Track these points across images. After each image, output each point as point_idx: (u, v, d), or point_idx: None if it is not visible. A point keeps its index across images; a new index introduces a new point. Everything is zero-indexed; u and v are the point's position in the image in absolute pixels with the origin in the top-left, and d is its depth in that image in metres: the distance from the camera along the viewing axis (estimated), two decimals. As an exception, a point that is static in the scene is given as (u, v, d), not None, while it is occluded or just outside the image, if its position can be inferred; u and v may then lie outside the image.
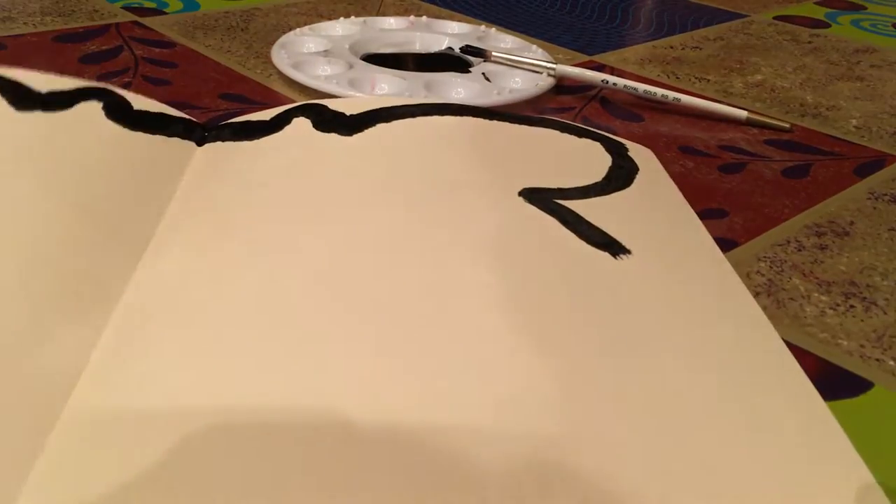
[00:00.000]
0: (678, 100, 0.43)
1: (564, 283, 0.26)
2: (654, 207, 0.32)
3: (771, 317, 0.27)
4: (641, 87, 0.43)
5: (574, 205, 0.31)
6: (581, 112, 0.43)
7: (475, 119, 0.36)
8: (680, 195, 0.34)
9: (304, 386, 0.21)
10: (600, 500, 0.18)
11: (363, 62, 0.44)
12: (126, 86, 0.41)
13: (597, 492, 0.19)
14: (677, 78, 0.49)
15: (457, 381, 0.21)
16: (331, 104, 0.36)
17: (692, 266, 0.28)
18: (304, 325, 0.23)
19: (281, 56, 0.44)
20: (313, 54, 0.44)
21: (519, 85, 0.44)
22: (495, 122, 0.36)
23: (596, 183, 0.32)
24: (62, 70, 0.42)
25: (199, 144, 0.34)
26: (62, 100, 0.33)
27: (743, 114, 0.42)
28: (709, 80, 0.49)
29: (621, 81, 0.44)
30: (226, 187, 0.31)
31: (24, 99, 0.32)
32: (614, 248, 0.28)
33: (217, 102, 0.40)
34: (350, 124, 0.34)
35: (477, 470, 0.19)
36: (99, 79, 0.41)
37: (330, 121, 0.34)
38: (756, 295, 0.28)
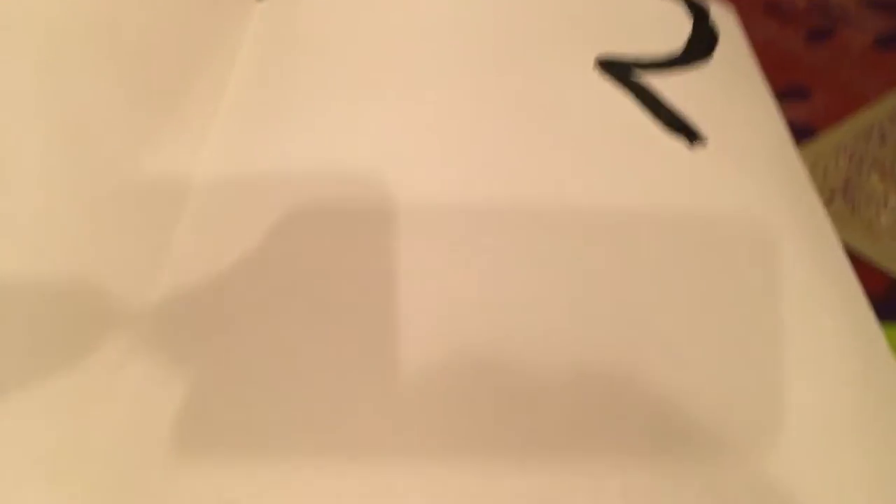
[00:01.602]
0: (769, -54, 0.39)
1: (636, 175, 0.25)
2: (731, 86, 0.30)
3: (843, 225, 0.26)
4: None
5: (653, 80, 0.29)
6: (661, -44, 0.39)
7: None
8: (758, 72, 0.32)
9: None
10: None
11: None
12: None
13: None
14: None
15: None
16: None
17: (764, 164, 0.27)
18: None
19: None
20: None
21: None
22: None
23: (675, 56, 0.31)
24: None
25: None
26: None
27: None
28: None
29: (709, -79, 0.40)
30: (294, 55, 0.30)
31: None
32: (688, 134, 0.27)
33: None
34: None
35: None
36: None
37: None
38: (831, 197, 0.27)
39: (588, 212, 0.24)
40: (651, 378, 0.20)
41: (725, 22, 0.34)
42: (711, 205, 0.25)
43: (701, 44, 0.32)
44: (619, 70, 0.29)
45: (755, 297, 0.23)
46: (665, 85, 0.29)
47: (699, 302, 0.22)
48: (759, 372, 0.21)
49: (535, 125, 0.27)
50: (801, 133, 0.30)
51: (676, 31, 0.32)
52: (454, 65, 0.29)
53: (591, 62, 0.29)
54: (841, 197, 0.27)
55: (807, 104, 0.31)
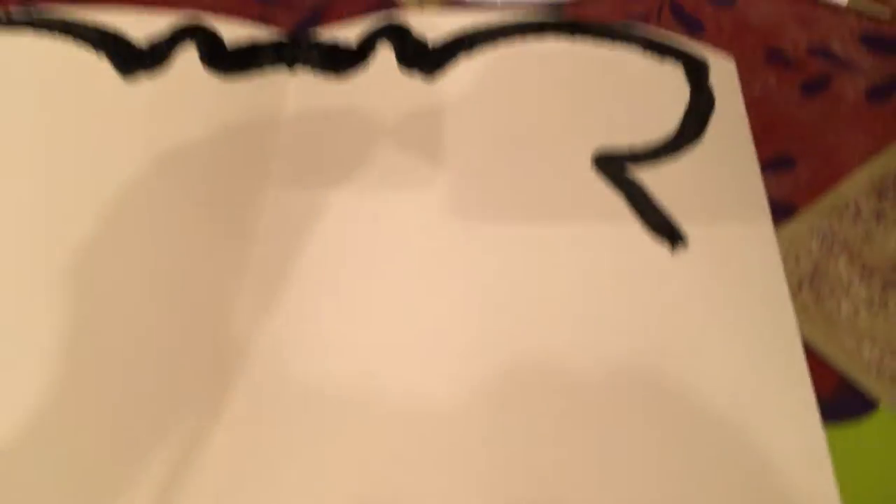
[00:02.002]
0: (776, -22, 0.41)
1: (615, 280, 0.30)
2: (720, 168, 0.33)
3: (806, 317, 0.30)
4: (739, -40, 0.41)
5: (643, 175, 0.33)
6: (671, -11, 0.42)
7: (556, 42, 0.36)
8: (750, 143, 0.35)
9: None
10: None
11: (447, -74, 0.42)
12: (211, -34, 0.41)
13: None
14: (786, -81, 0.46)
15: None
16: (414, 24, 0.37)
17: (741, 262, 0.30)
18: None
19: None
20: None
21: (608, -46, 0.42)
22: (577, 41, 0.36)
23: (668, 142, 0.34)
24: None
25: (291, 65, 0.36)
26: (162, 51, 0.35)
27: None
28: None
29: (718, -47, 0.41)
30: (317, 142, 0.33)
31: (127, 60, 0.34)
32: (674, 236, 0.31)
33: (301, -8, 0.40)
34: (432, 60, 0.35)
35: None
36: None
37: (412, 56, 0.35)
38: (798, 287, 0.31)
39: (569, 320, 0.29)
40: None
41: (724, 75, 0.37)
42: (682, 310, 0.29)
43: (696, 113, 0.35)
44: (613, 167, 0.32)
45: (702, 398, 0.27)
46: (655, 173, 0.33)
47: (656, 407, 0.27)
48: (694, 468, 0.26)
49: (529, 228, 0.31)
50: (782, 212, 0.33)
51: (674, 104, 0.35)
52: (450, 166, 0.32)
53: (586, 157, 0.33)
54: (808, 285, 0.31)
55: (791, 175, 0.34)
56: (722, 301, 0.29)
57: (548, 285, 0.30)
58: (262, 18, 0.39)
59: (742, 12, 0.41)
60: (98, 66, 0.34)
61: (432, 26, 0.36)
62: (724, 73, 0.37)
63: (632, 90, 0.35)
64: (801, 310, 0.30)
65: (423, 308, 0.29)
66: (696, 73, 0.35)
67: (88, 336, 0.28)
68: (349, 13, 0.39)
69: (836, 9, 0.41)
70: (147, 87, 0.35)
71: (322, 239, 0.31)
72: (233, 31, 0.37)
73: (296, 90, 0.35)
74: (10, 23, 0.35)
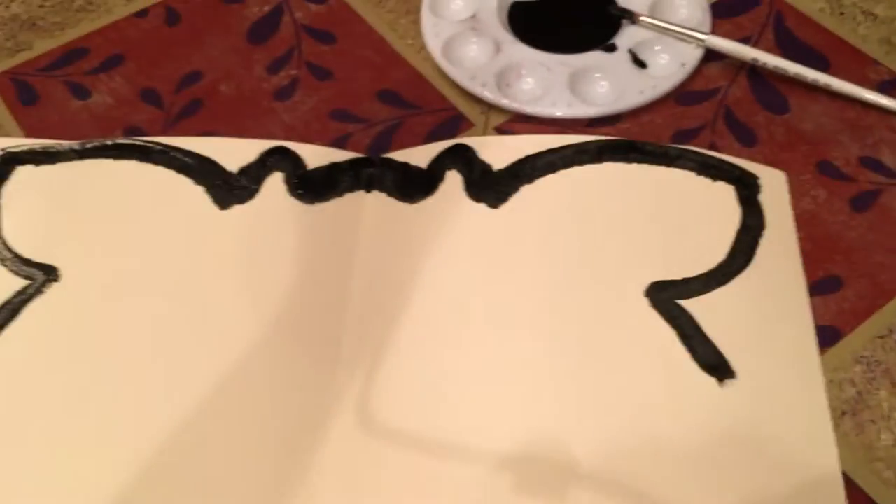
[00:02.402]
0: (829, 86, 0.43)
1: (665, 415, 0.32)
2: (769, 295, 0.35)
3: (846, 446, 0.32)
4: (793, 69, 0.43)
5: (695, 305, 0.35)
6: (726, 95, 0.44)
7: (614, 165, 0.39)
8: (799, 265, 0.37)
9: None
10: None
11: (510, 38, 0.45)
12: (293, 83, 0.45)
13: None
14: (841, 13, 0.47)
15: None
16: (479, 149, 0.40)
17: (786, 394, 0.33)
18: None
19: (430, 27, 0.45)
20: (462, 23, 0.46)
21: (665, 62, 0.44)
22: (633, 164, 0.39)
23: (719, 268, 0.36)
24: (233, 54, 0.46)
25: (368, 189, 0.40)
26: (252, 176, 0.39)
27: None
28: (876, 17, 0.47)
29: (772, 61, 0.43)
30: (395, 266, 0.37)
31: (223, 188, 0.38)
32: (722, 371, 0.33)
33: (375, 108, 0.44)
34: (497, 186, 0.38)
35: None
36: (268, 71, 0.45)
37: (479, 182, 0.38)
38: (841, 416, 0.33)
39: (613, 444, 0.31)
40: None
41: (775, 193, 0.39)
42: (730, 439, 0.32)
43: (747, 237, 0.37)
44: (665, 298, 0.35)
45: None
46: (706, 307, 0.35)
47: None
48: None
49: (582, 358, 0.34)
50: (828, 337, 0.35)
51: (726, 227, 0.37)
52: (512, 300, 0.35)
53: (640, 286, 0.35)
54: (850, 417, 0.33)
55: (836, 298, 0.36)
56: (766, 433, 0.32)
57: (598, 416, 0.32)
58: (339, 138, 0.42)
59: (795, 118, 0.42)
60: (195, 193, 0.38)
61: (496, 150, 0.39)
62: (775, 188, 0.39)
63: (685, 212, 0.37)
64: (841, 440, 0.32)
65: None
66: (748, 193, 0.37)
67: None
68: (420, 130, 0.42)
69: (889, 114, 0.42)
70: (237, 212, 0.38)
71: (402, 360, 0.34)
72: (314, 155, 0.40)
73: (371, 213, 0.39)
74: (116, 148, 0.40)
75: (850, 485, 0.31)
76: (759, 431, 0.32)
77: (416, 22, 0.47)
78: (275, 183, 0.39)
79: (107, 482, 0.31)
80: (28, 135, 0.42)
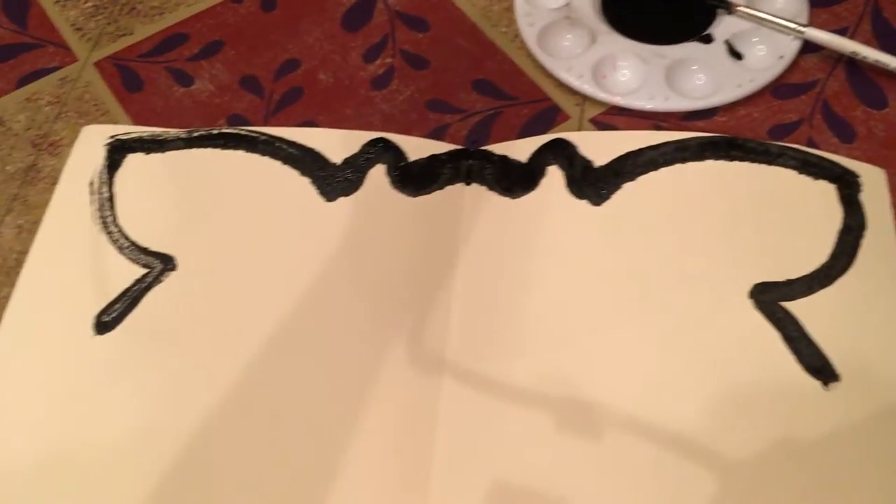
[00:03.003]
0: (931, 81, 0.42)
1: (768, 418, 0.33)
2: (872, 296, 0.36)
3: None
4: (893, 62, 0.43)
5: (798, 306, 0.36)
6: (824, 90, 0.43)
7: (715, 163, 0.39)
8: (897, 262, 0.37)
9: None
10: None
11: (605, 28, 0.45)
12: (389, 72, 0.45)
13: None
14: (942, 3, 0.46)
15: None
16: (580, 144, 0.40)
17: (890, 395, 0.33)
18: None
19: (524, 16, 0.46)
20: (556, 12, 0.46)
21: (762, 54, 0.44)
22: (735, 162, 0.39)
23: (822, 269, 0.36)
24: (329, 41, 0.46)
25: (468, 182, 0.41)
26: (357, 167, 0.40)
27: None
28: (978, 8, 0.46)
29: (872, 55, 0.43)
30: (497, 261, 0.38)
31: (327, 180, 0.39)
32: (826, 373, 0.34)
33: (472, 98, 0.44)
34: (600, 184, 0.39)
35: None
36: (364, 59, 0.46)
37: (580, 178, 0.39)
38: (943, 421, 0.34)
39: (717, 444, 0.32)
40: None
41: (875, 188, 0.39)
42: (835, 442, 0.33)
43: (848, 238, 0.38)
44: (768, 299, 0.36)
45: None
46: (809, 309, 0.35)
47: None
48: None
49: (687, 358, 0.35)
50: (928, 341, 0.35)
51: (828, 228, 0.38)
52: (615, 299, 0.36)
53: (743, 287, 0.36)
54: (952, 420, 0.34)
55: (939, 300, 0.36)
56: (870, 436, 0.32)
57: (701, 417, 0.33)
58: (437, 129, 0.43)
59: (894, 113, 0.42)
60: (301, 184, 0.39)
61: (597, 145, 0.40)
62: (875, 186, 0.39)
63: (787, 211, 0.38)
64: (944, 444, 0.33)
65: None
66: (849, 192, 0.37)
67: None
68: (516, 122, 0.43)
69: None
70: (343, 204, 0.39)
71: (508, 349, 0.35)
72: (414, 146, 0.41)
73: (472, 206, 0.39)
74: (222, 137, 0.41)
75: (953, 489, 0.32)
76: (863, 434, 0.32)
77: (510, 9, 0.47)
78: (378, 175, 0.40)
79: (226, 466, 0.33)
80: (135, 122, 0.44)
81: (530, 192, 0.39)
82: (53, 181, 0.41)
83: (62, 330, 0.36)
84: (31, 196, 0.41)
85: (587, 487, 0.32)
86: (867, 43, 0.44)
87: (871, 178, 0.39)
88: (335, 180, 0.40)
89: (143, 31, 0.47)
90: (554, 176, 0.39)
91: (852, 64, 0.44)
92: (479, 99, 0.44)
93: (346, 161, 0.41)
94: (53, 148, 0.43)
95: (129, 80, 0.45)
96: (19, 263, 0.39)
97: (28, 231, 0.40)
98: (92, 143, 0.42)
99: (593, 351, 0.35)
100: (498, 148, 0.41)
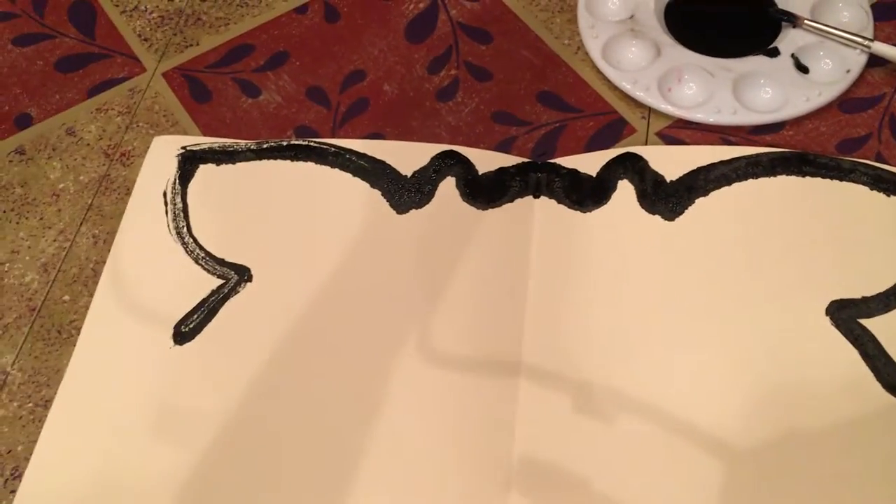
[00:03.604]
0: None
1: (847, 435, 0.33)
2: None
3: None
4: (962, 77, 0.43)
5: (876, 324, 0.36)
6: (891, 104, 0.44)
7: (788, 179, 0.39)
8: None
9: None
10: None
11: (669, 40, 0.45)
12: (454, 84, 0.46)
13: None
14: None
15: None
16: (650, 159, 0.40)
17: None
18: None
19: (588, 29, 0.46)
20: (620, 24, 0.46)
21: (829, 67, 0.44)
22: (807, 178, 0.39)
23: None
24: (393, 52, 0.47)
25: (536, 195, 0.41)
26: (426, 179, 0.40)
27: None
28: None
29: (940, 69, 0.43)
30: (570, 274, 0.38)
31: (398, 192, 0.40)
32: (907, 394, 0.34)
33: (537, 110, 0.44)
34: (672, 199, 0.39)
35: None
36: (429, 70, 0.46)
37: (652, 193, 0.39)
38: None
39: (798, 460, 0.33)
40: None
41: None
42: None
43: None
44: (846, 316, 0.36)
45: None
46: (887, 326, 0.36)
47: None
48: None
49: (765, 377, 0.35)
50: None
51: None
52: (692, 316, 0.36)
53: (820, 304, 0.36)
54: None
55: None
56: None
57: (774, 434, 0.33)
58: (504, 141, 0.43)
59: (963, 128, 0.42)
60: (372, 196, 0.40)
61: (667, 160, 0.40)
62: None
63: (860, 228, 0.38)
64: None
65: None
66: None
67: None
68: (583, 134, 0.43)
69: None
70: (415, 216, 0.40)
71: (579, 362, 0.36)
72: (482, 159, 0.41)
73: (542, 219, 0.40)
74: (291, 149, 0.42)
75: None
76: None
77: (572, 21, 0.47)
78: (448, 187, 0.40)
79: (303, 474, 0.33)
80: (204, 132, 0.44)
81: (602, 205, 0.39)
82: (127, 191, 0.42)
83: (142, 340, 0.37)
84: (105, 206, 0.42)
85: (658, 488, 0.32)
86: (933, 57, 0.44)
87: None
88: (406, 193, 0.40)
89: (210, 41, 0.48)
90: (625, 190, 0.40)
91: (919, 78, 0.44)
92: (545, 111, 0.44)
93: (416, 174, 0.41)
94: (125, 158, 0.43)
95: (197, 90, 0.46)
96: (97, 273, 0.39)
97: (104, 241, 0.40)
98: (163, 153, 0.43)
99: (666, 368, 0.35)
100: (566, 161, 0.41)
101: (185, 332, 0.37)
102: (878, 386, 0.34)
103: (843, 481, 0.32)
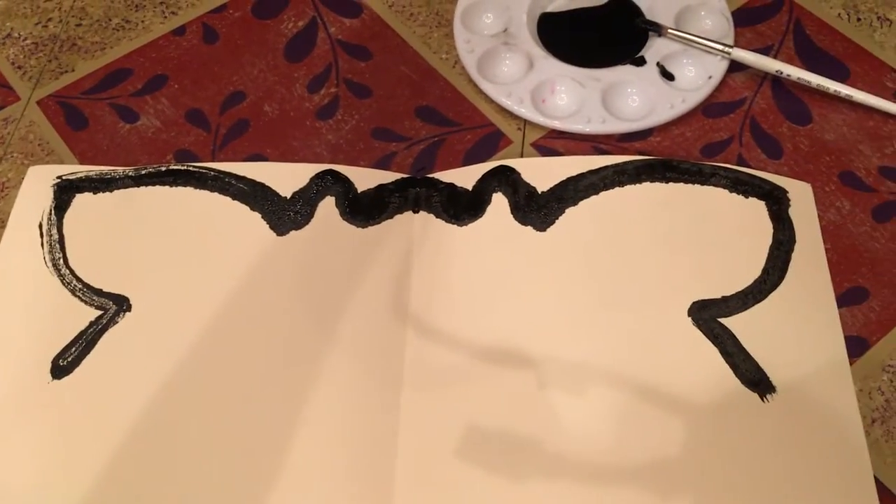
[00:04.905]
0: (850, 96, 0.45)
1: (710, 430, 0.35)
2: (803, 309, 0.38)
3: (877, 454, 0.35)
4: (815, 80, 0.45)
5: (735, 322, 0.37)
6: (751, 107, 0.46)
7: (652, 185, 0.41)
8: (827, 277, 0.39)
9: None
10: None
11: (541, 52, 0.47)
12: (334, 102, 0.46)
13: None
14: (857, 19, 0.49)
15: None
16: (523, 171, 0.42)
17: (821, 405, 0.35)
18: None
19: (463, 43, 0.47)
20: (494, 38, 0.47)
21: (692, 74, 0.46)
22: (670, 183, 0.41)
23: (755, 284, 0.38)
24: (272, 72, 0.47)
25: (416, 210, 0.42)
26: (306, 200, 0.41)
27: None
28: (891, 23, 0.49)
29: (795, 72, 0.45)
30: (448, 287, 0.39)
31: (278, 214, 0.40)
32: (764, 386, 0.36)
33: (416, 125, 0.45)
34: (544, 210, 0.40)
35: None
36: (309, 89, 0.47)
37: (525, 206, 0.41)
38: (871, 424, 0.36)
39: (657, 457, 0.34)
40: None
41: (802, 206, 0.41)
42: (772, 451, 0.35)
43: (779, 252, 0.40)
44: (706, 316, 0.38)
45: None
46: (745, 324, 0.37)
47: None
48: None
49: (630, 377, 0.36)
50: (855, 348, 0.38)
51: (759, 244, 0.40)
52: (562, 321, 0.38)
53: (681, 305, 0.38)
54: (879, 424, 0.36)
55: (863, 308, 0.39)
56: (803, 443, 0.35)
57: (642, 431, 0.35)
58: (383, 157, 0.44)
59: (818, 129, 0.45)
60: (252, 219, 0.40)
61: (539, 171, 0.41)
62: (802, 201, 0.41)
63: (720, 229, 0.40)
64: (872, 446, 0.35)
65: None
66: (778, 208, 0.39)
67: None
68: (461, 147, 0.44)
69: (906, 124, 0.44)
70: (294, 237, 0.40)
71: (461, 372, 0.37)
72: (361, 177, 0.42)
73: (421, 233, 0.41)
74: (170, 174, 0.42)
75: (882, 489, 0.34)
76: (797, 442, 0.34)
77: (449, 35, 0.48)
78: (327, 207, 0.41)
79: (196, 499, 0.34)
80: (81, 160, 0.44)
81: (477, 219, 0.40)
82: (1, 223, 0.41)
83: (19, 375, 0.37)
84: (-22, 240, 0.41)
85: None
86: (789, 60, 0.46)
87: (798, 193, 0.41)
88: (286, 214, 0.41)
89: (85, 67, 0.47)
90: (499, 203, 0.41)
91: (777, 81, 0.46)
92: (424, 126, 0.45)
93: (296, 194, 0.41)
94: (0, 190, 0.43)
95: (73, 118, 0.45)
96: (-30, 310, 0.39)
97: (-22, 277, 0.40)
98: (39, 184, 0.42)
99: (541, 373, 0.36)
100: (444, 175, 0.42)
101: (62, 365, 0.37)
102: (737, 382, 0.36)
103: (708, 475, 0.34)
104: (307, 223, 0.40)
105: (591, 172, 0.41)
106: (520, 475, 0.34)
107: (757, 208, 0.40)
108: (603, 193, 0.41)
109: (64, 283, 0.39)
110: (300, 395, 0.36)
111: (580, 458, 0.34)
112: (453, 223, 0.41)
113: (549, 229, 0.40)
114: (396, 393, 0.36)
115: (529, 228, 0.40)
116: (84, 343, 0.37)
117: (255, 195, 0.41)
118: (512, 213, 0.40)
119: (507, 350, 0.37)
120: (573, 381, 0.36)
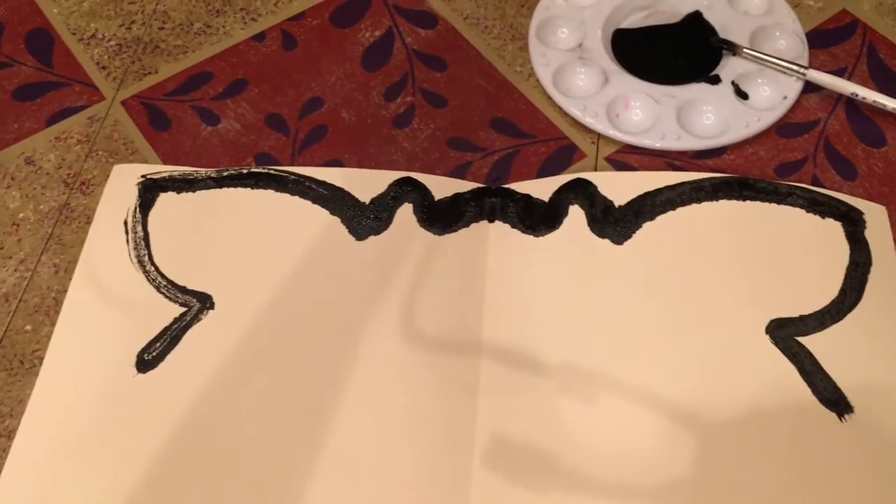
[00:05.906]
0: (926, 121, 0.45)
1: (786, 448, 0.35)
2: (881, 330, 0.38)
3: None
4: (890, 103, 0.45)
5: (812, 342, 0.38)
6: (825, 128, 0.46)
7: (729, 203, 0.41)
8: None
9: None
10: None
11: (616, 68, 0.47)
12: (410, 110, 0.47)
13: None
14: (933, 44, 0.49)
15: None
16: (600, 184, 0.42)
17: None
18: None
19: (539, 57, 0.48)
20: (569, 53, 0.48)
21: (767, 94, 0.46)
22: (747, 202, 0.42)
23: (832, 304, 0.39)
24: (350, 79, 0.48)
25: (491, 220, 0.42)
26: (384, 206, 0.41)
27: None
28: (967, 48, 0.49)
29: (871, 95, 0.45)
30: (523, 298, 0.39)
31: (357, 219, 0.41)
32: (841, 406, 0.36)
33: (491, 136, 0.46)
34: (620, 224, 0.41)
35: None
36: (385, 98, 0.48)
37: (602, 219, 0.41)
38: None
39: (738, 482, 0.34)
40: None
41: (878, 226, 0.41)
42: (849, 473, 0.35)
43: (856, 273, 0.40)
44: (784, 334, 0.38)
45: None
46: (823, 344, 0.38)
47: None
48: None
49: (708, 395, 0.37)
50: (932, 372, 0.38)
51: (836, 264, 0.40)
52: (639, 336, 0.38)
53: (759, 323, 0.38)
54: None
55: (940, 333, 0.39)
56: (881, 466, 0.35)
57: (720, 451, 0.35)
58: (459, 167, 0.45)
59: (893, 152, 0.45)
60: (332, 223, 0.41)
61: (616, 186, 0.42)
62: (878, 223, 0.41)
63: (797, 249, 0.40)
64: (950, 471, 0.35)
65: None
66: (854, 229, 0.40)
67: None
68: (535, 159, 0.45)
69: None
70: (373, 242, 0.41)
71: (535, 380, 0.37)
72: (438, 185, 0.43)
73: (497, 243, 0.41)
74: (251, 177, 0.42)
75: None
76: (873, 463, 0.34)
77: (523, 49, 0.49)
78: (405, 213, 0.42)
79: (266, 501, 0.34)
80: (164, 161, 0.45)
81: (554, 230, 0.41)
82: (87, 220, 0.42)
83: (105, 369, 0.38)
84: (65, 235, 0.42)
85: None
86: (863, 83, 0.46)
87: (873, 215, 0.41)
88: (364, 219, 0.41)
89: (168, 69, 0.48)
90: (576, 215, 0.41)
91: (851, 103, 0.46)
92: (498, 137, 0.46)
93: (374, 200, 0.42)
94: (85, 187, 0.44)
95: (156, 118, 0.46)
96: (58, 302, 0.40)
97: (65, 270, 0.41)
98: (123, 182, 0.43)
99: (615, 386, 0.37)
100: (520, 187, 0.43)
101: (148, 360, 0.38)
102: (814, 400, 0.36)
103: (785, 493, 0.34)
104: (385, 229, 0.41)
105: (668, 188, 0.41)
106: (599, 495, 0.34)
107: (833, 229, 0.41)
108: (680, 209, 0.41)
109: (149, 280, 0.40)
110: (377, 395, 0.37)
111: (656, 479, 0.34)
112: (529, 234, 0.41)
113: (626, 243, 0.40)
114: (472, 399, 0.36)
115: (607, 241, 0.40)
116: (169, 338, 0.38)
117: (335, 199, 0.42)
118: (589, 225, 0.41)
119: (578, 363, 0.37)
120: (648, 394, 0.36)
